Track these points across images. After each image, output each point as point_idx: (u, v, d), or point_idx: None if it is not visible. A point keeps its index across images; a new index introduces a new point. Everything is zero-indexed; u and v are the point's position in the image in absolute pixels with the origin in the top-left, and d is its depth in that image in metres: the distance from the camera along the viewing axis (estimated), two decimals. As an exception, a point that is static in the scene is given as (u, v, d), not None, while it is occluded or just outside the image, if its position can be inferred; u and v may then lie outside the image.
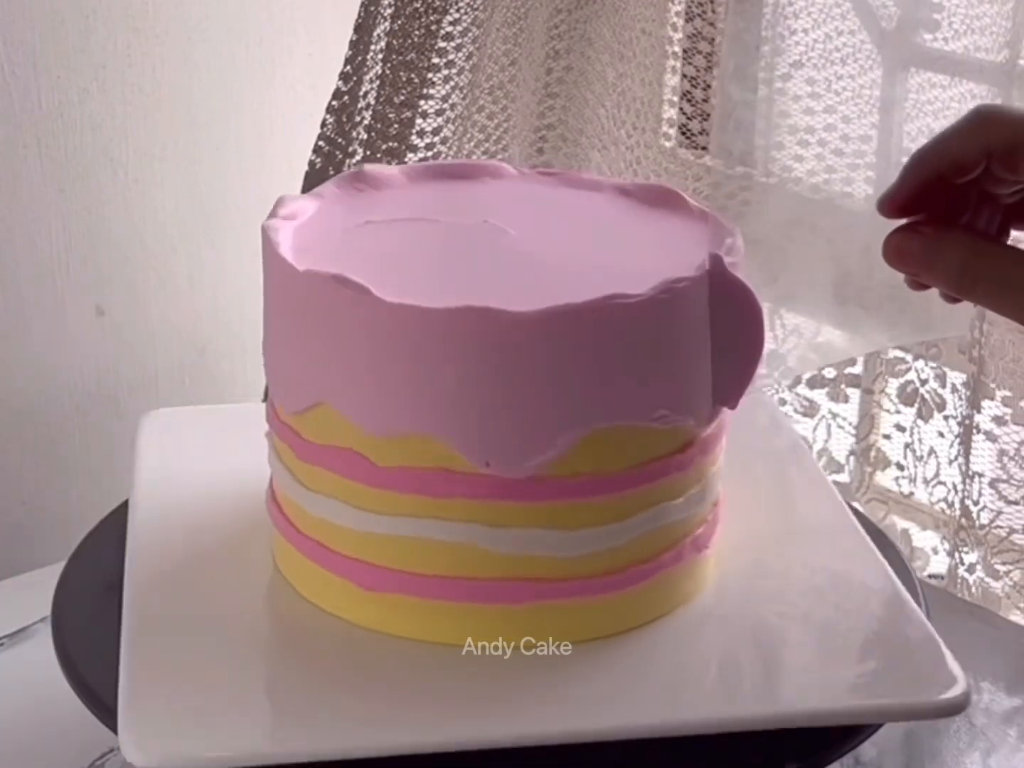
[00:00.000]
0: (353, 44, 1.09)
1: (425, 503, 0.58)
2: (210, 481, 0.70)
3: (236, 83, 1.21)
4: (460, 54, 1.05)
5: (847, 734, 0.58)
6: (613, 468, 0.58)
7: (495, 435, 0.57)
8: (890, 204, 0.54)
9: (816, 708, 0.57)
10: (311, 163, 1.11)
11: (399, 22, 1.06)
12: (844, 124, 0.90)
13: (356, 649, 0.59)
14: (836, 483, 0.83)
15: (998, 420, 0.90)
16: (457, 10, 1.04)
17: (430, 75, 1.05)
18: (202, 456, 0.72)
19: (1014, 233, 0.56)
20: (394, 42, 1.06)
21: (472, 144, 1.06)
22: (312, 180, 1.10)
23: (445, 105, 1.06)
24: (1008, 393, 0.89)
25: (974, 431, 0.90)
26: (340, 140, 1.10)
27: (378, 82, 1.08)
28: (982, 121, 0.52)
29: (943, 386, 0.93)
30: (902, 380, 0.95)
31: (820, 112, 0.91)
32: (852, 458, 0.99)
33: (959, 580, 0.93)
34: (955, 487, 0.93)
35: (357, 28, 1.09)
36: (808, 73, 0.90)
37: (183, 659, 0.58)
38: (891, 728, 0.71)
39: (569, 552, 0.59)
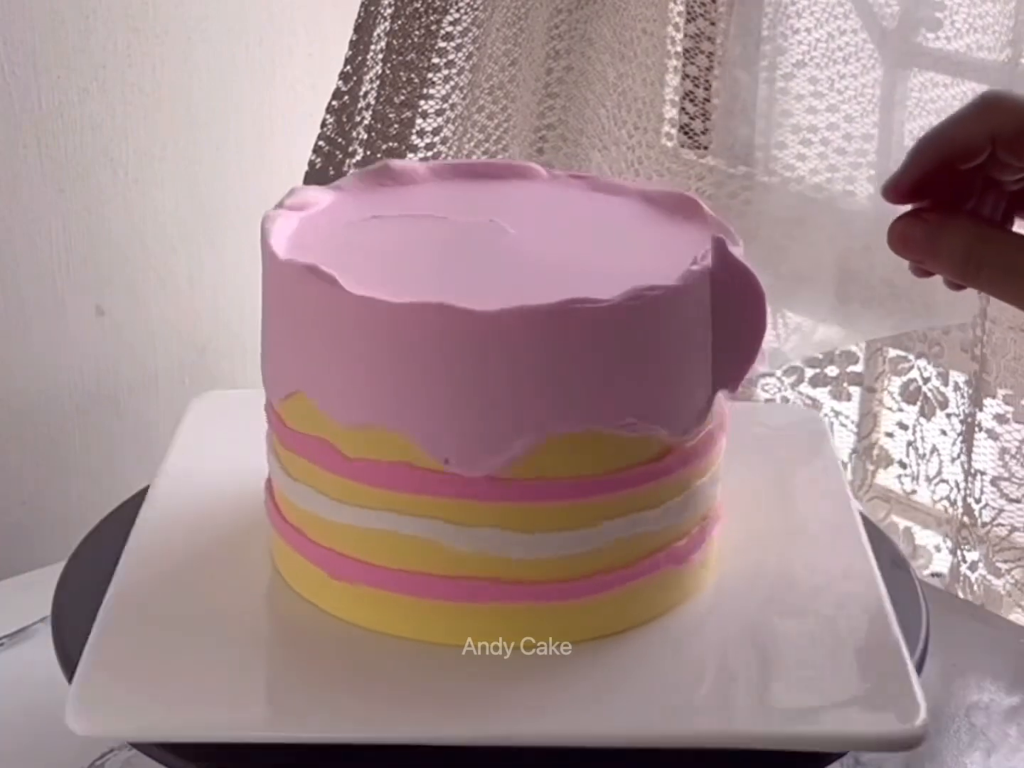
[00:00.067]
0: (353, 44, 1.09)
1: (390, 496, 0.58)
2: (235, 469, 0.69)
3: (236, 83, 1.21)
4: (460, 54, 1.05)
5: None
6: (577, 473, 0.57)
7: (455, 433, 0.56)
8: (894, 189, 0.54)
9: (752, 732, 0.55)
10: (311, 163, 1.11)
11: (399, 22, 1.06)
12: (847, 123, 0.90)
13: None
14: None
15: (1000, 418, 0.90)
16: (457, 10, 1.04)
17: (430, 75, 1.05)
18: (239, 441, 0.70)
19: (1019, 220, 0.56)
20: (394, 42, 1.06)
21: (472, 144, 1.06)
22: (312, 180, 1.10)
23: (445, 105, 1.06)
24: (1010, 391, 0.89)
25: (976, 429, 0.90)
26: (340, 140, 1.10)
27: (378, 82, 1.08)
28: (988, 107, 0.52)
29: (945, 384, 0.93)
30: (905, 378, 0.95)
31: (823, 111, 0.91)
32: (854, 456, 0.99)
33: (961, 578, 0.93)
34: (957, 485, 0.93)
35: (357, 28, 1.09)
36: (811, 72, 0.90)
37: (157, 639, 0.59)
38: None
39: (529, 555, 0.58)
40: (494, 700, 0.56)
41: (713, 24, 0.97)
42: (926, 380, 0.94)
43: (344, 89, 1.09)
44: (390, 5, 1.06)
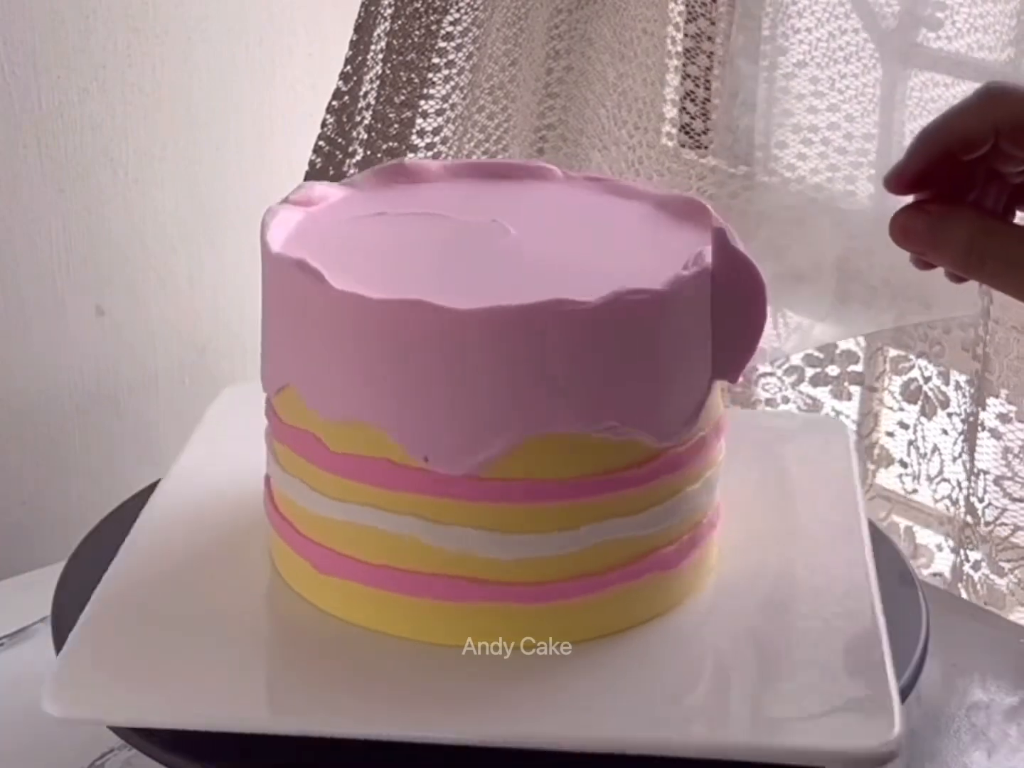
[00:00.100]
0: (353, 44, 1.09)
1: (371, 492, 0.58)
2: (242, 467, 0.69)
3: (236, 83, 1.21)
4: (460, 54, 1.05)
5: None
6: (556, 475, 0.57)
7: (433, 430, 0.56)
8: (897, 180, 0.54)
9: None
10: (311, 163, 1.11)
11: (399, 22, 1.06)
12: (848, 123, 0.90)
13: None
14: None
15: (1003, 417, 0.90)
16: (457, 10, 1.04)
17: (430, 75, 1.05)
18: (249, 438, 0.69)
19: (1021, 212, 0.55)
20: (394, 42, 1.06)
21: (472, 144, 1.06)
22: (312, 180, 1.09)
23: (445, 105, 1.06)
24: (1013, 391, 0.89)
25: (979, 428, 0.90)
26: (340, 140, 1.10)
27: (378, 82, 1.08)
28: (991, 98, 0.52)
29: (946, 383, 0.93)
30: (905, 377, 0.95)
31: (824, 111, 0.91)
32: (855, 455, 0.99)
33: (964, 577, 0.93)
34: (959, 484, 0.92)
35: (357, 28, 1.09)
36: (811, 72, 0.90)
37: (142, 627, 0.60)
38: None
39: (509, 555, 0.58)
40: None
41: (713, 24, 0.97)
42: (927, 379, 0.94)
43: (344, 89, 1.09)
44: (390, 5, 1.06)
